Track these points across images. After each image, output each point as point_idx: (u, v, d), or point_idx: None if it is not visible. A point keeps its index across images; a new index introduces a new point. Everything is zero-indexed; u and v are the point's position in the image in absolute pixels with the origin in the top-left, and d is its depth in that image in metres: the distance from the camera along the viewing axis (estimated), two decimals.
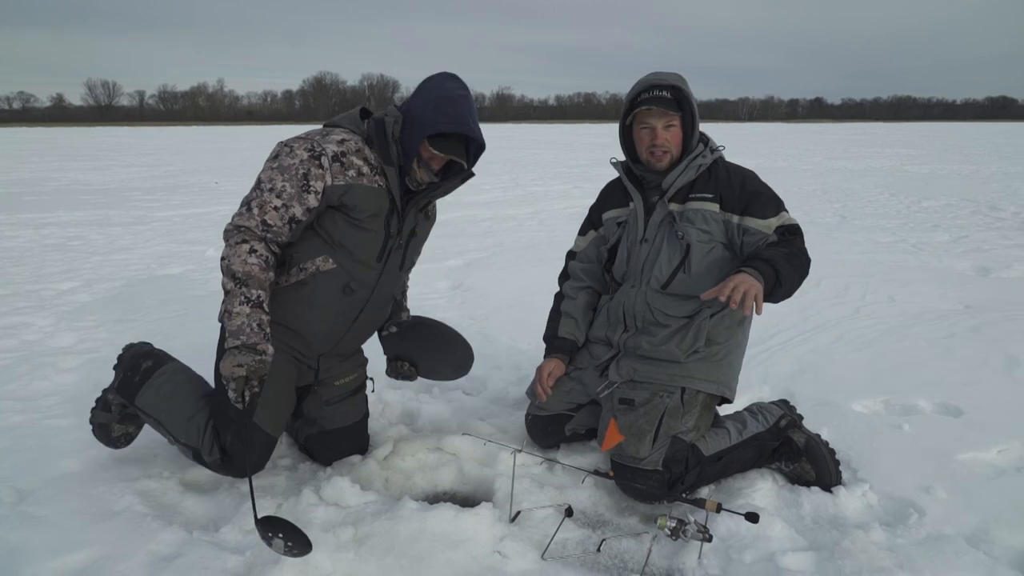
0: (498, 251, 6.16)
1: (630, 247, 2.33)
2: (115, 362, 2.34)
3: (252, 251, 1.97)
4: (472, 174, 2.20)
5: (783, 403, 2.40)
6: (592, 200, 2.56)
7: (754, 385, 2.93)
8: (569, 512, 2.04)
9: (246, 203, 2.01)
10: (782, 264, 2.00)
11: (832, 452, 2.23)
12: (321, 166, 1.99)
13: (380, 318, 2.33)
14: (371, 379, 2.50)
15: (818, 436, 2.27)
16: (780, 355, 3.35)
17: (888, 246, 6.25)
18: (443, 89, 2.07)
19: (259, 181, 2.02)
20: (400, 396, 2.93)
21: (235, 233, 1.99)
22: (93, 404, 2.32)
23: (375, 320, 2.31)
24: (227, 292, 1.97)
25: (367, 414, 2.46)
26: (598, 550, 1.93)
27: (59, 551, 1.83)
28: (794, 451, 2.21)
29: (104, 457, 2.32)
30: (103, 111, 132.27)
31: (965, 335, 3.61)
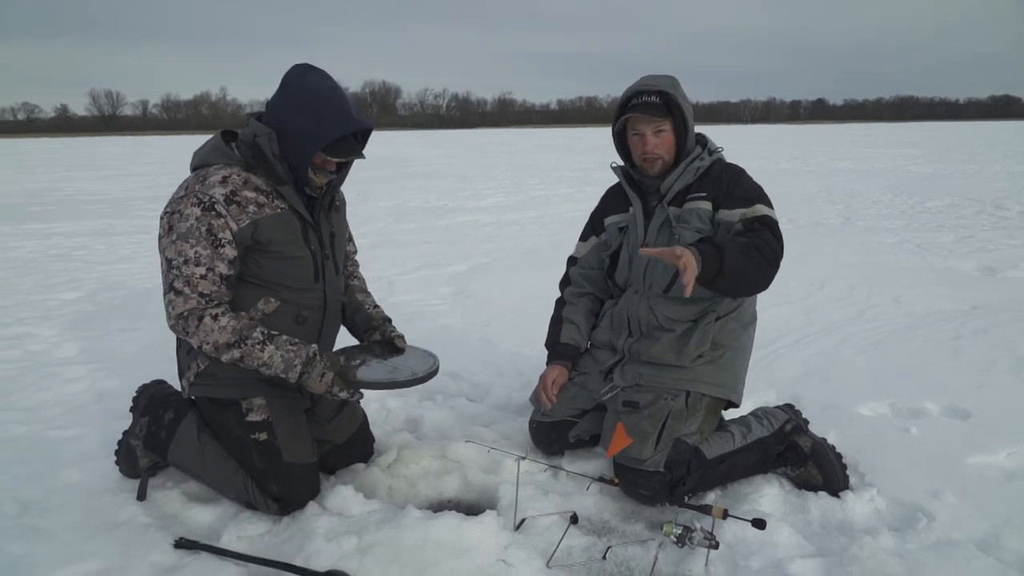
0: (500, 256, 6.16)
1: (632, 252, 2.32)
2: (131, 404, 2.35)
3: (215, 317, 1.91)
4: (363, 157, 2.11)
5: (788, 407, 2.38)
6: (595, 204, 2.55)
7: (759, 388, 2.91)
8: (574, 519, 2.02)
9: (170, 288, 1.93)
10: (731, 253, 1.88)
11: (839, 456, 2.21)
12: (219, 215, 1.90)
13: (338, 324, 2.31)
14: None
15: (824, 440, 2.26)
16: (785, 358, 3.34)
17: (892, 247, 6.22)
18: (311, 89, 1.95)
19: (169, 261, 1.93)
20: (403, 403, 2.93)
21: (184, 322, 1.92)
22: (116, 448, 2.30)
23: (335, 329, 2.30)
24: (239, 359, 1.93)
25: (365, 415, 2.46)
26: (604, 558, 1.91)
27: (62, 563, 1.83)
28: (800, 456, 2.19)
29: (107, 468, 2.32)
30: (107, 121, 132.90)
31: (972, 336, 3.59)
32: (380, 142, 36.77)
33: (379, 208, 9.74)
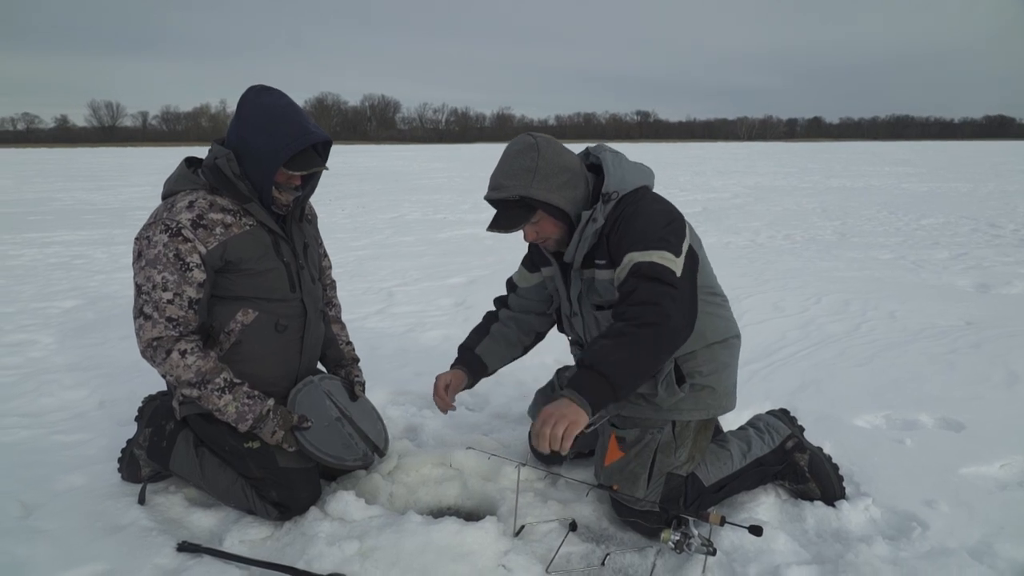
0: (500, 268, 6.19)
1: (567, 317, 2.26)
2: (136, 413, 2.39)
3: (183, 353, 1.97)
4: (327, 168, 2.13)
5: (784, 414, 2.39)
6: None
7: (756, 400, 2.94)
8: (573, 526, 2.04)
9: (139, 313, 1.99)
10: (609, 363, 1.80)
11: (836, 468, 2.22)
12: (187, 239, 1.96)
13: (321, 332, 2.35)
14: None
15: (820, 450, 2.27)
16: (782, 370, 3.37)
17: (888, 263, 6.28)
18: (266, 108, 1.99)
19: (138, 287, 1.99)
20: (403, 412, 2.95)
21: (152, 351, 1.98)
22: (119, 456, 2.33)
23: (319, 337, 2.33)
24: (196, 398, 2.01)
25: None
26: (602, 564, 1.93)
27: (65, 565, 1.85)
28: (799, 474, 2.19)
29: (110, 472, 2.34)
30: (107, 132, 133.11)
31: (966, 351, 3.63)
32: (379, 156, 36.85)
33: (379, 220, 9.79)
